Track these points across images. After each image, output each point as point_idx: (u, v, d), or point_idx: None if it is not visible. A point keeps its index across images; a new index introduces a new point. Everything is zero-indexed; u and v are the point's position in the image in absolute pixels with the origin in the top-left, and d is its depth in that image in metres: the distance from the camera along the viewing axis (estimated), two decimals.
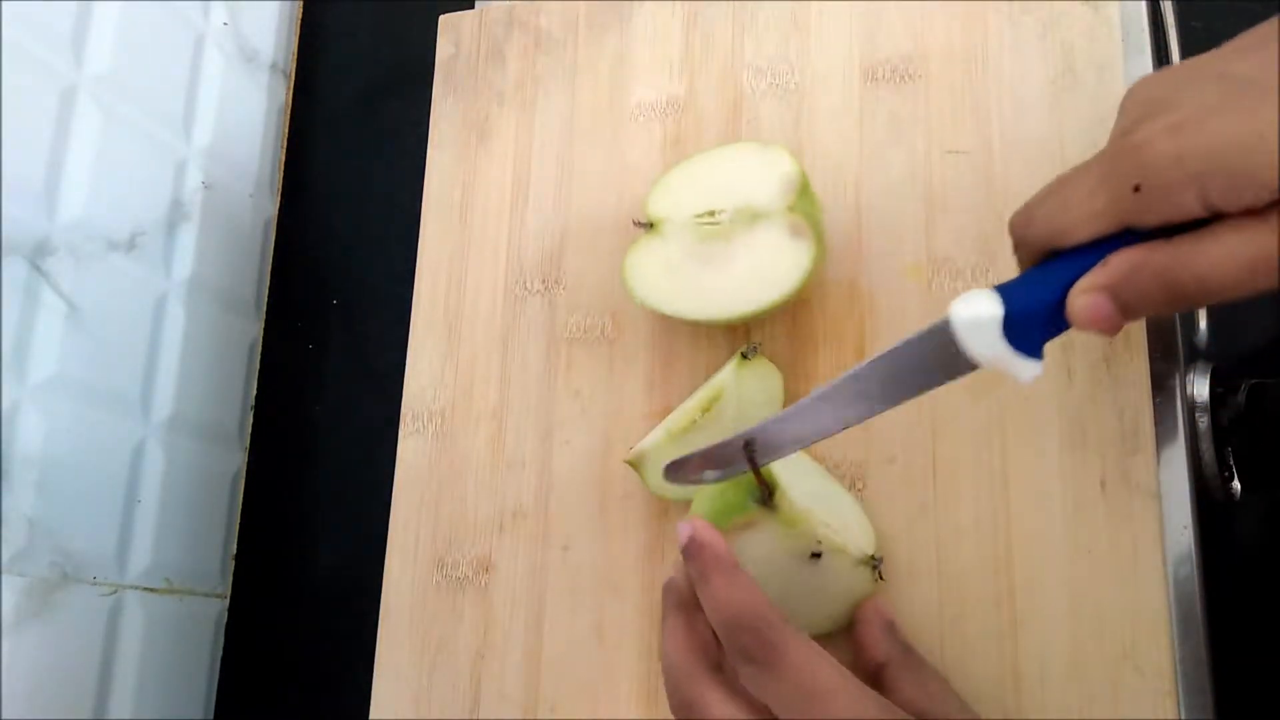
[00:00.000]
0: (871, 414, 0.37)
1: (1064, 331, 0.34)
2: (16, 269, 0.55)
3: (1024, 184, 0.46)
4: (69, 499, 0.57)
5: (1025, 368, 0.34)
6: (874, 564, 0.41)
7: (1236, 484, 0.43)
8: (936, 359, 0.35)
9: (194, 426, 0.67)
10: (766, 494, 0.39)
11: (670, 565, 0.47)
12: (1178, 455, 0.41)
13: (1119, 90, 0.45)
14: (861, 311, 0.47)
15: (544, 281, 0.54)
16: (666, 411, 0.48)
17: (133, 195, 0.63)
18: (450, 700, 0.49)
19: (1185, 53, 0.46)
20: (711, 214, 0.46)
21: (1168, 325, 0.42)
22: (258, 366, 0.73)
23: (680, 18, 0.55)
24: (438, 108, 0.59)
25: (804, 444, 0.38)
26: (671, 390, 0.49)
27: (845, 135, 0.49)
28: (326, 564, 0.67)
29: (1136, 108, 0.33)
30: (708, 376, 0.48)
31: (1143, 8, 0.46)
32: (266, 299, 0.74)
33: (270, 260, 0.75)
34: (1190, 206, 0.31)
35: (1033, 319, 0.34)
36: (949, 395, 0.44)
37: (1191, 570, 0.40)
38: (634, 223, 0.48)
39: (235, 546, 0.70)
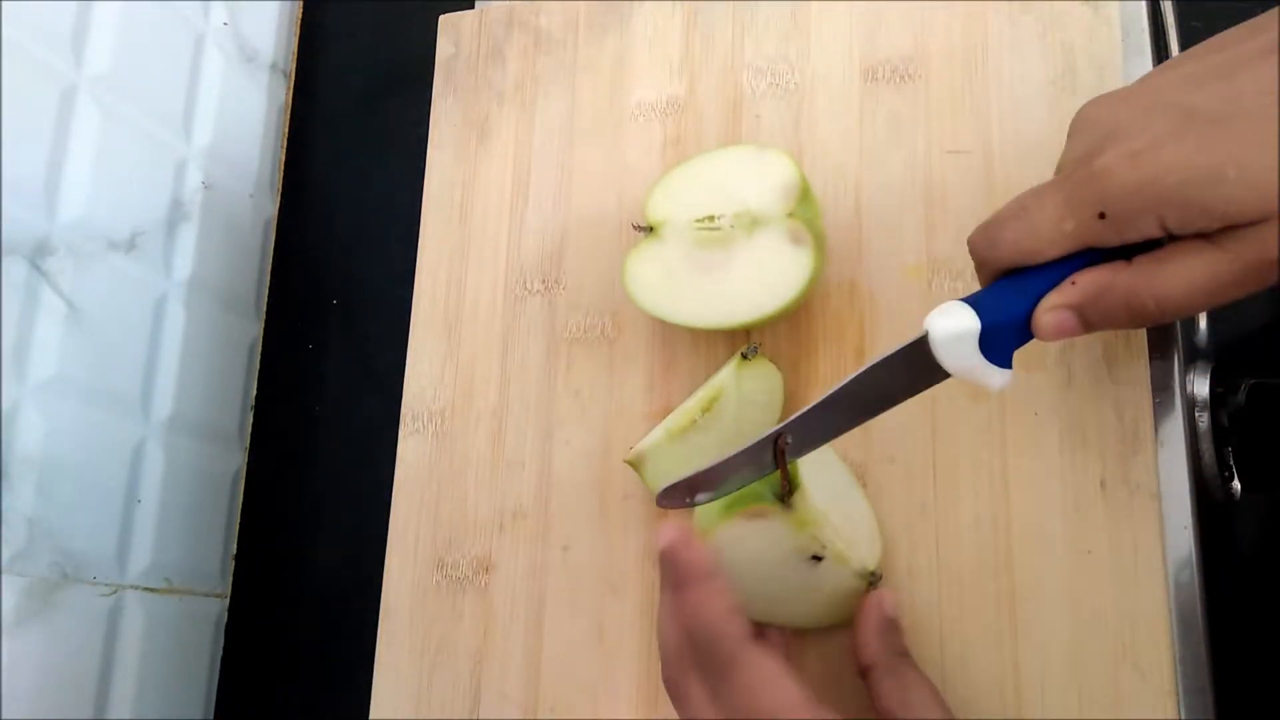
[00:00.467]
0: (853, 427, 0.38)
1: (1028, 342, 0.36)
2: (16, 269, 0.55)
3: (1024, 184, 0.45)
4: (69, 499, 0.57)
5: (995, 376, 0.36)
6: (871, 579, 0.41)
7: (1236, 484, 0.43)
8: (912, 370, 0.36)
9: (194, 426, 0.67)
10: (787, 492, 0.40)
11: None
12: (1178, 455, 0.41)
13: None
14: (861, 311, 0.47)
15: (544, 281, 0.54)
16: (666, 411, 0.48)
17: (133, 195, 0.63)
18: (450, 700, 0.49)
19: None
20: (711, 219, 0.46)
21: (1168, 325, 0.42)
22: (258, 366, 0.73)
23: (680, 18, 0.55)
24: (438, 108, 0.59)
25: (804, 452, 0.39)
26: (671, 390, 0.49)
27: (845, 135, 0.49)
28: (326, 564, 0.67)
29: (1092, 130, 0.35)
30: (708, 376, 0.48)
31: (1143, 8, 0.46)
32: (266, 299, 0.74)
33: (270, 260, 0.75)
34: (1150, 230, 0.33)
35: (1005, 331, 0.36)
36: (949, 395, 0.44)
37: (1191, 570, 0.40)
38: (634, 226, 0.48)
39: (235, 546, 0.70)
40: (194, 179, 0.68)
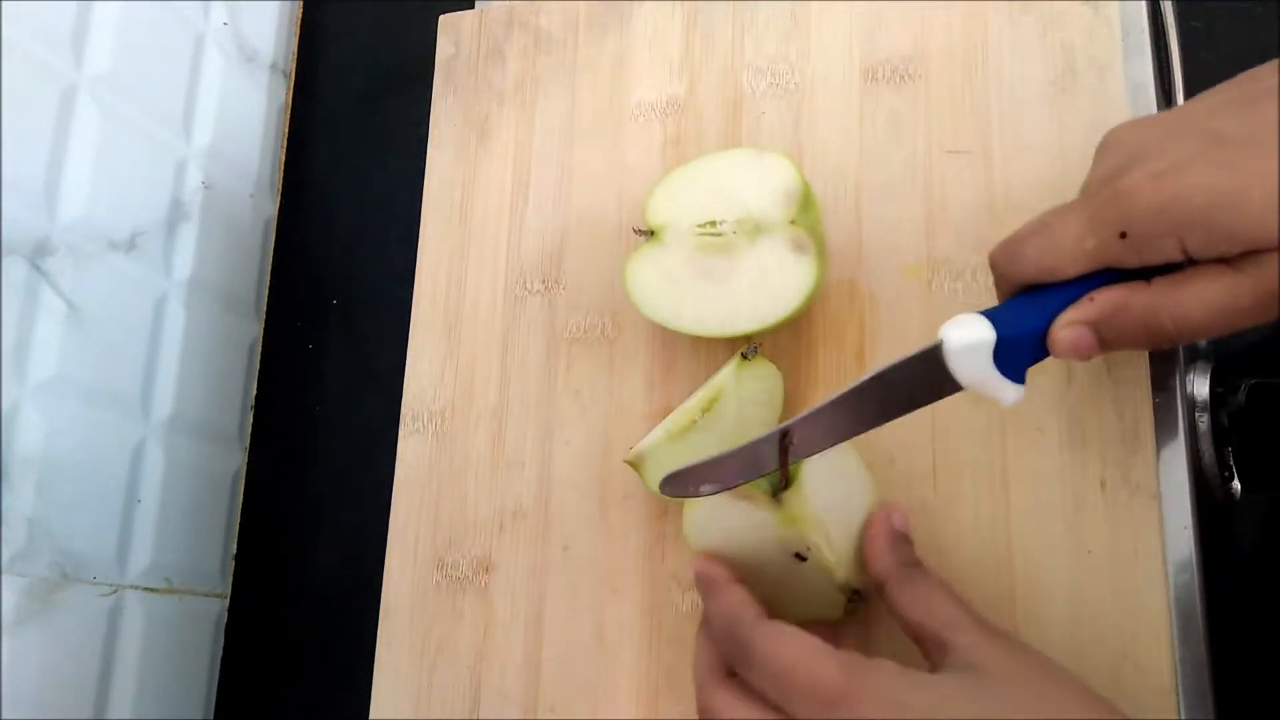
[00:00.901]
0: (857, 433, 0.38)
1: (1044, 359, 0.36)
2: (16, 269, 0.55)
3: (1024, 184, 0.46)
4: (69, 499, 0.57)
5: (1008, 390, 0.36)
6: (851, 596, 0.40)
7: (1236, 484, 0.43)
8: (923, 380, 0.36)
9: (194, 426, 0.67)
10: (782, 486, 0.40)
11: (671, 565, 0.47)
12: (1178, 455, 0.41)
13: (1119, 90, 0.45)
14: (861, 311, 0.47)
15: (544, 281, 0.54)
16: (666, 411, 0.48)
17: (133, 195, 0.63)
18: (450, 700, 0.49)
19: (1185, 53, 0.47)
20: (713, 224, 0.46)
21: None
22: (258, 366, 0.73)
23: (680, 18, 0.55)
24: (438, 108, 0.59)
25: (810, 453, 0.39)
26: (671, 390, 0.49)
27: (845, 135, 0.49)
28: (326, 564, 0.67)
29: (1118, 152, 0.36)
30: (708, 377, 0.47)
31: (1143, 8, 0.46)
32: (266, 299, 0.74)
33: (270, 260, 0.75)
34: (1170, 253, 0.34)
35: (1020, 345, 0.36)
36: (949, 396, 0.44)
37: (1191, 570, 0.40)
38: (634, 230, 0.48)
39: (235, 546, 0.70)
40: (194, 179, 0.68)
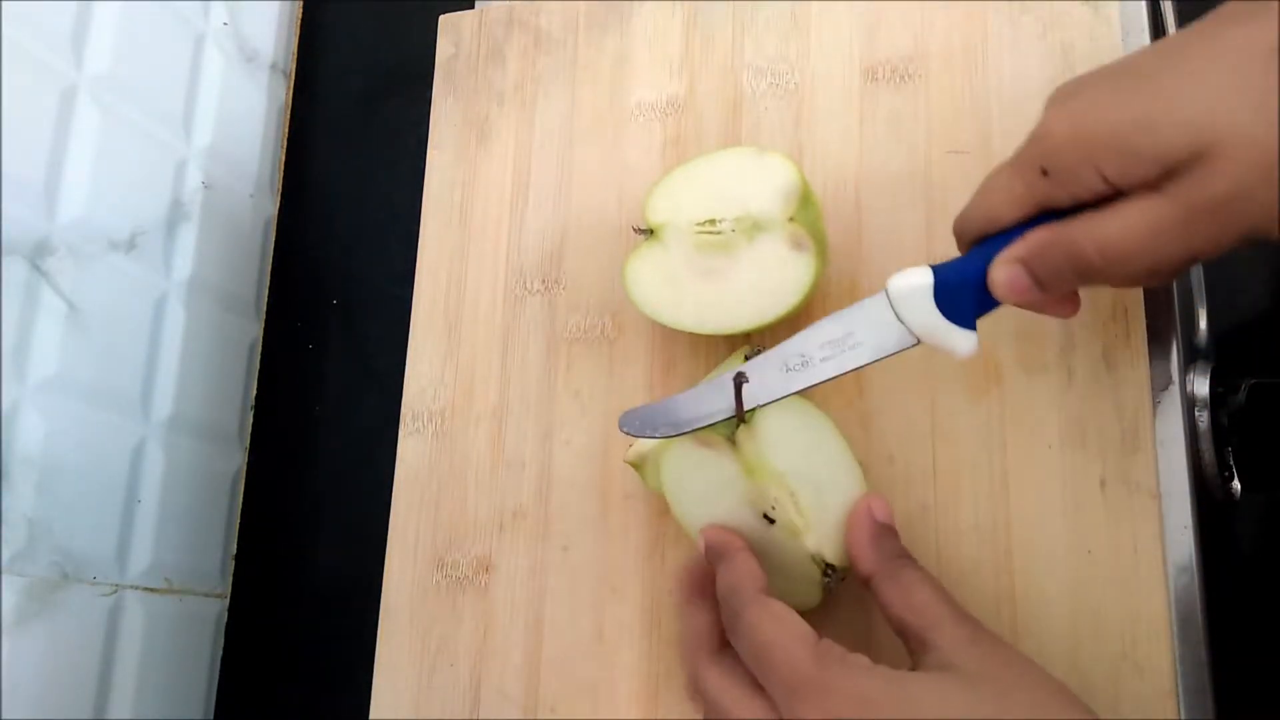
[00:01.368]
0: (819, 381, 0.39)
1: (995, 308, 0.37)
2: (16, 269, 0.55)
3: None
4: (69, 499, 0.57)
5: (960, 339, 0.37)
6: (826, 570, 0.40)
7: (1236, 484, 0.43)
8: (876, 328, 0.38)
9: (194, 426, 0.67)
10: (737, 416, 0.40)
11: (670, 565, 0.47)
12: (1178, 455, 0.41)
13: None
14: None
15: (544, 281, 0.54)
16: None
17: (133, 195, 0.63)
18: (450, 700, 0.49)
19: None
20: (712, 223, 0.46)
21: (1168, 325, 0.43)
22: (258, 366, 0.73)
23: (680, 18, 0.55)
24: (438, 108, 0.59)
25: (770, 399, 0.40)
26: (671, 390, 0.49)
27: (845, 135, 0.49)
28: (326, 564, 0.67)
29: (1052, 101, 0.36)
30: (707, 376, 0.47)
31: (1143, 8, 0.46)
32: (266, 299, 0.74)
33: (270, 260, 0.75)
34: (1093, 183, 0.34)
35: (961, 290, 0.37)
36: (949, 396, 0.44)
37: (1191, 570, 0.40)
38: (634, 229, 0.48)
39: (235, 546, 0.70)
40: (194, 179, 0.68)
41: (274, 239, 0.75)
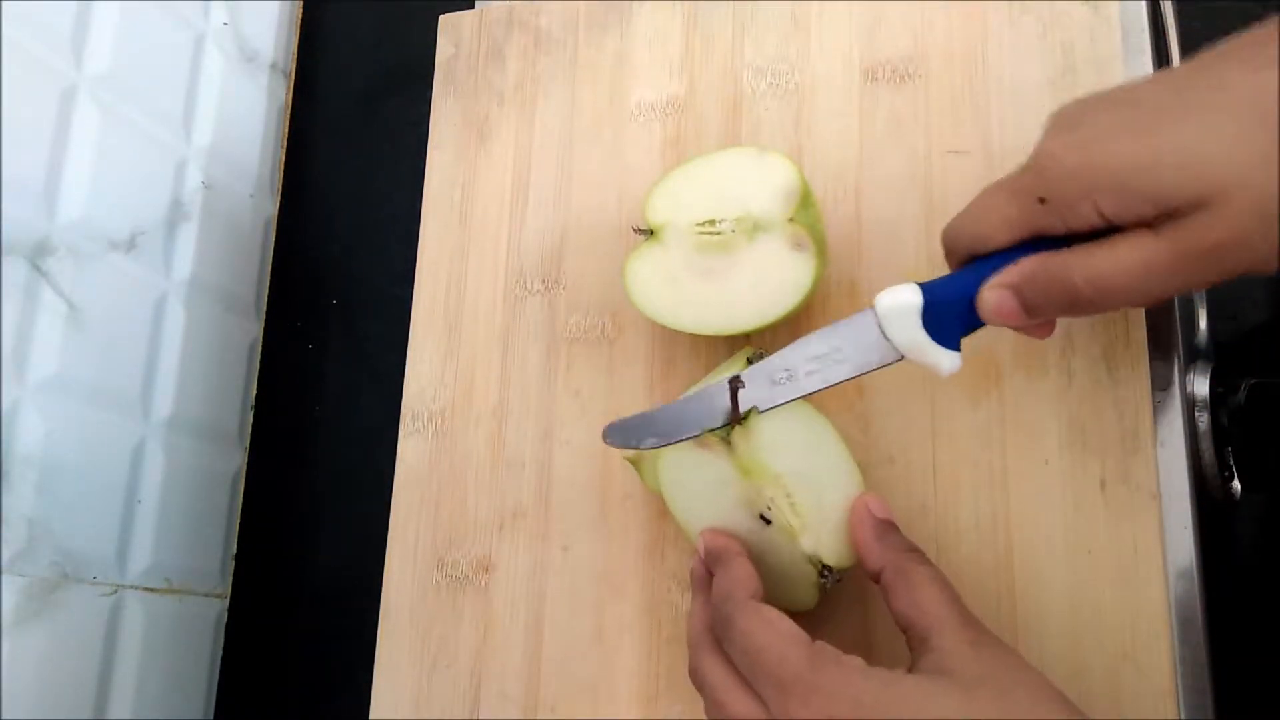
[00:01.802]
0: (803, 394, 0.40)
1: (980, 328, 0.38)
2: (16, 269, 0.55)
3: None
4: (69, 499, 0.57)
5: (944, 357, 0.37)
6: (822, 572, 0.40)
7: (1236, 484, 0.43)
8: (863, 345, 0.39)
9: (194, 426, 0.67)
10: (732, 420, 0.41)
11: (670, 565, 0.47)
12: (1178, 455, 0.41)
13: None
14: None
15: (544, 281, 0.54)
16: None
17: (133, 195, 0.63)
18: (450, 700, 0.49)
19: (1185, 53, 0.46)
20: (712, 223, 0.46)
21: (1168, 325, 0.43)
22: (258, 366, 0.73)
23: (680, 18, 0.55)
24: (438, 108, 0.59)
25: (766, 408, 0.41)
26: (671, 390, 0.49)
27: (845, 135, 0.49)
28: (326, 564, 0.67)
29: (1054, 126, 0.36)
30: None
31: (1143, 8, 0.46)
32: (266, 299, 0.74)
33: (270, 260, 0.75)
34: (1089, 217, 0.34)
35: (948, 310, 0.37)
36: (948, 396, 0.44)
37: (1191, 570, 0.40)
38: (634, 229, 0.48)
39: (235, 546, 0.70)
40: (194, 179, 0.68)
41: (274, 239, 0.75)
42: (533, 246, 0.54)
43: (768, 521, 0.40)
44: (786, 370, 0.40)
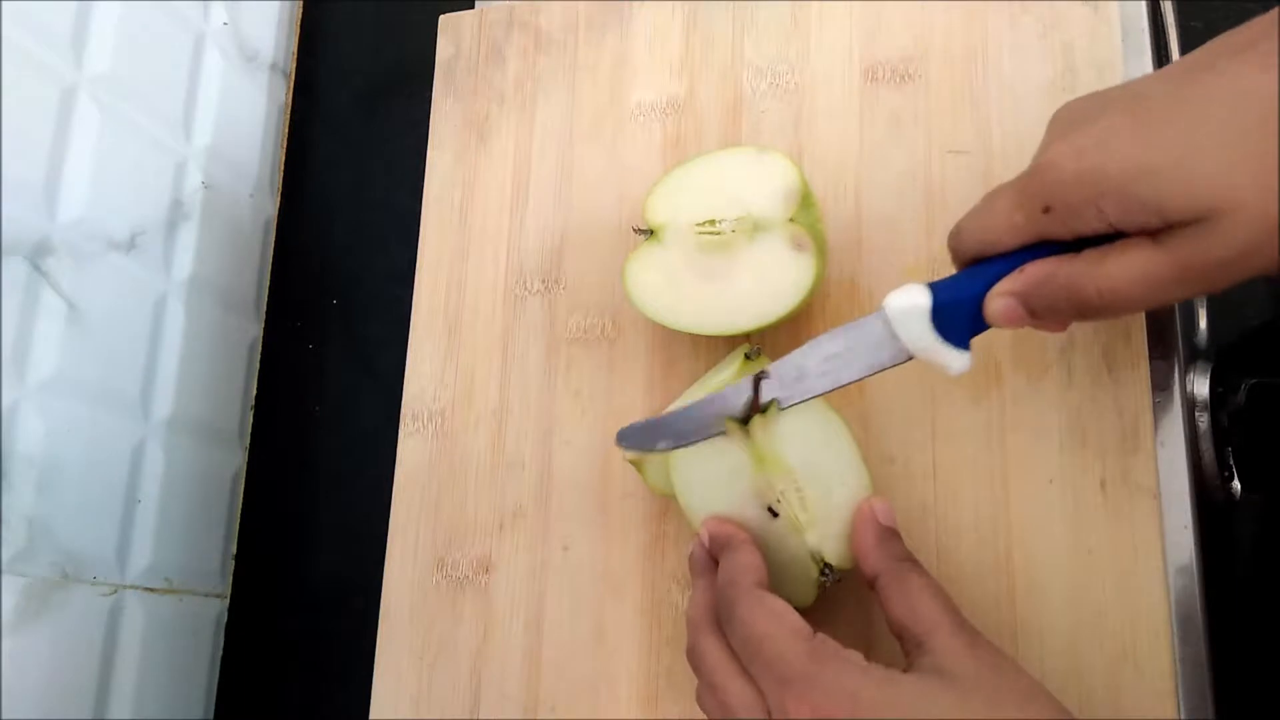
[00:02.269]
0: (814, 395, 0.40)
1: (989, 329, 0.38)
2: (16, 269, 0.55)
3: None
4: (69, 499, 0.57)
5: (953, 357, 0.38)
6: (823, 568, 0.40)
7: (1236, 484, 0.43)
8: (874, 345, 0.39)
9: (194, 426, 0.67)
10: (750, 411, 0.41)
11: (670, 564, 0.47)
12: (1178, 455, 0.41)
13: None
14: (861, 310, 0.47)
15: (544, 282, 0.54)
16: None
17: (133, 195, 0.63)
18: (450, 700, 0.49)
19: (1185, 53, 0.46)
20: (712, 223, 0.46)
21: (1168, 325, 0.43)
22: (258, 366, 0.73)
23: (680, 18, 0.55)
24: (438, 108, 0.59)
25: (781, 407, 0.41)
26: (671, 390, 0.49)
27: (845, 135, 0.49)
28: (326, 564, 0.67)
29: (1057, 127, 0.36)
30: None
31: (1143, 8, 0.46)
32: (266, 299, 0.74)
33: (270, 260, 0.75)
34: (1093, 223, 0.34)
35: (957, 311, 0.37)
36: (949, 396, 0.44)
37: (1191, 570, 0.40)
38: (634, 230, 0.48)
39: (235, 546, 0.70)
40: (194, 179, 0.68)
41: (274, 239, 0.75)
42: (533, 246, 0.54)
43: (775, 515, 0.41)
44: (799, 370, 0.40)
